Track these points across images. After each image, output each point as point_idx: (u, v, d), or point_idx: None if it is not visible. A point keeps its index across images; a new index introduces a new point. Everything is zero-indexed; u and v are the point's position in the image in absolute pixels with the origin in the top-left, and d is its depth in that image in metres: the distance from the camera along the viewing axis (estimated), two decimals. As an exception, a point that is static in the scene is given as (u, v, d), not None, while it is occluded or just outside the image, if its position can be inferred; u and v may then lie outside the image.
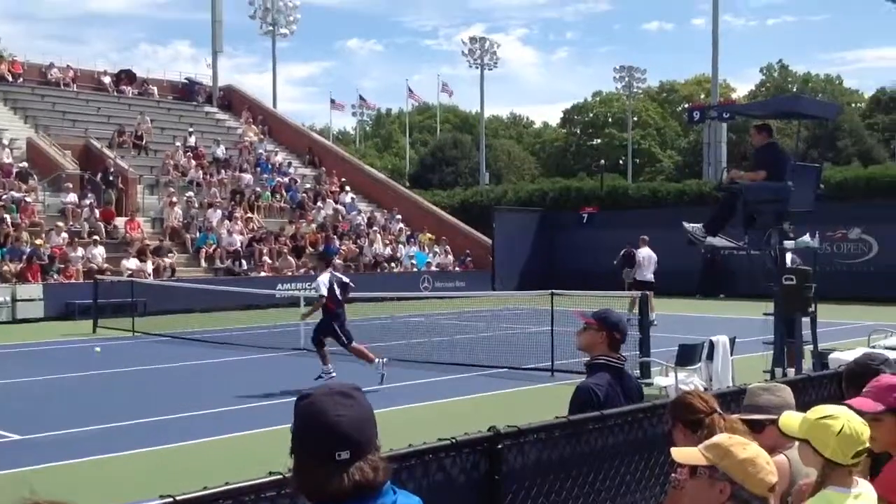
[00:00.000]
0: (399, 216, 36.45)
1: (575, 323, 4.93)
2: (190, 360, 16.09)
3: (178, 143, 35.71)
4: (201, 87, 43.55)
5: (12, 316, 22.82)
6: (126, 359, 16.23)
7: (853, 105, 76.48)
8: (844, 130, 59.82)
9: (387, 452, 2.10)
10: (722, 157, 43.43)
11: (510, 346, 16.37)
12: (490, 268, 33.92)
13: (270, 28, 56.86)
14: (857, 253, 29.24)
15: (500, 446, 3.48)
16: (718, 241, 11.81)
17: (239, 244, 29.59)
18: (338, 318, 13.07)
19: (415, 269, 32.72)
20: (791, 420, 2.97)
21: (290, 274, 28.69)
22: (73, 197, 28.77)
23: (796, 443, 2.98)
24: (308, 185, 37.03)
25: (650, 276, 21.21)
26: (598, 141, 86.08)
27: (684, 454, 2.56)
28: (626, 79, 74.56)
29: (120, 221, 28.88)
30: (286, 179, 36.27)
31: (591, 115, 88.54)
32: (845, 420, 2.79)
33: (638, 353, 12.48)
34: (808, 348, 11.47)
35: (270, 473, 2.69)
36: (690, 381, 10.67)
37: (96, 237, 26.94)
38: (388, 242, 33.96)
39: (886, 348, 10.66)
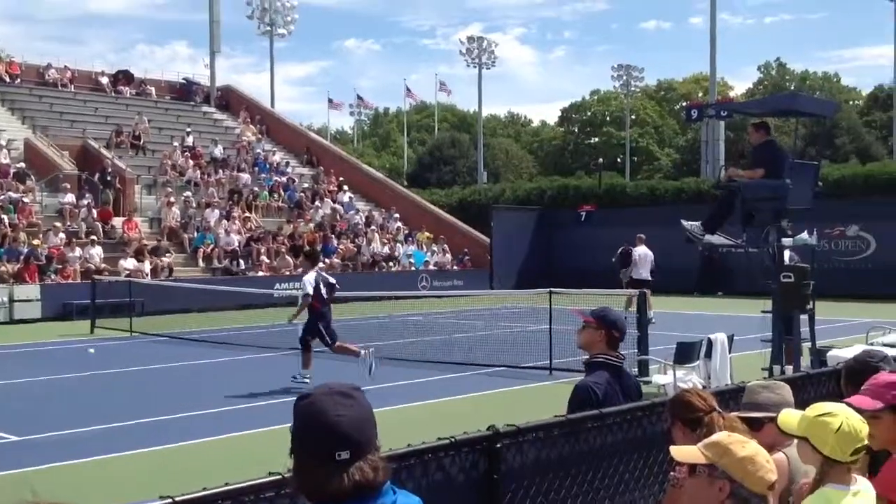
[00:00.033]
0: (397, 215, 36.45)
1: (573, 321, 4.93)
2: (188, 361, 16.08)
3: (175, 143, 35.70)
4: (199, 87, 43.53)
5: (10, 316, 22.80)
6: (124, 359, 16.22)
7: (851, 103, 76.60)
8: (842, 128, 59.86)
9: (386, 452, 2.10)
10: (720, 155, 43.45)
11: (508, 345, 16.37)
12: (488, 266, 33.91)
13: (268, 28, 56.85)
14: (855, 250, 29.26)
15: (498, 445, 3.48)
16: (717, 239, 11.81)
17: (237, 244, 29.58)
18: (323, 318, 13.04)
19: (413, 268, 32.71)
20: (790, 418, 2.97)
21: (287, 273, 28.66)
22: (70, 197, 28.75)
23: (795, 440, 2.98)
24: (306, 185, 37.01)
25: (646, 275, 21.21)
26: (596, 139, 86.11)
27: (683, 452, 2.56)
28: (624, 77, 74.61)
29: (117, 221, 28.86)
30: (284, 179, 36.26)
31: (588, 113, 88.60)
32: (844, 417, 2.79)
33: (636, 351, 12.48)
34: (806, 346, 11.48)
35: (270, 473, 2.69)
36: (689, 379, 10.67)
37: (94, 237, 26.93)
38: (385, 241, 33.95)
39: (885, 345, 10.67)
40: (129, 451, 9.08)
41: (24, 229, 26.15)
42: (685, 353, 11.17)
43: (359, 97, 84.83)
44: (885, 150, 58.57)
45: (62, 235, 26.40)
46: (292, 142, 41.44)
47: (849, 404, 3.03)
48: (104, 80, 40.46)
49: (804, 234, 11.77)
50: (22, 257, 24.39)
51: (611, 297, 15.87)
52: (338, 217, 34.69)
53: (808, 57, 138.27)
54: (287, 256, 29.60)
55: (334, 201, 35.88)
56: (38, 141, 32.18)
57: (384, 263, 32.44)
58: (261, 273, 28.70)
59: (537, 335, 15.32)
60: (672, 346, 11.46)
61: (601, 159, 52.22)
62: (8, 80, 37.11)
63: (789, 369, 10.45)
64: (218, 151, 36.42)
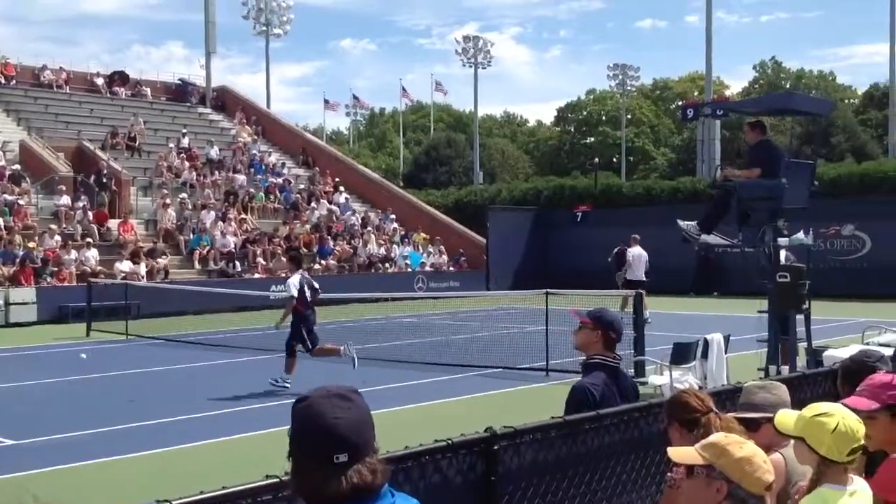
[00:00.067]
0: (393, 216, 36.44)
1: (570, 322, 4.93)
2: (184, 363, 16.06)
3: (171, 145, 35.66)
4: (194, 88, 43.49)
5: (5, 320, 22.74)
6: (120, 362, 16.20)
7: (846, 101, 76.73)
8: (838, 127, 59.98)
9: (383, 455, 2.09)
10: (716, 155, 43.51)
11: (505, 346, 16.37)
12: (484, 267, 33.92)
13: (264, 28, 56.84)
14: (851, 249, 29.30)
15: (496, 447, 3.49)
16: (713, 239, 11.82)
17: (233, 245, 29.56)
18: (307, 322, 13.03)
19: (409, 270, 32.70)
20: (787, 418, 2.97)
21: (284, 275, 28.53)
22: (66, 199, 28.71)
23: (792, 441, 2.98)
24: (302, 186, 36.99)
25: (641, 275, 21.21)
26: (592, 139, 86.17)
27: (681, 453, 2.57)
28: (620, 77, 74.70)
29: (113, 223, 28.81)
30: (280, 180, 36.24)
31: (584, 113, 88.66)
32: (840, 417, 2.80)
33: (632, 351, 12.49)
34: (802, 346, 11.50)
35: (267, 476, 2.69)
36: (685, 379, 10.68)
37: (89, 239, 26.88)
38: (382, 243, 33.94)
39: (881, 345, 10.69)
40: (126, 455, 9.07)
41: (19, 232, 26.10)
42: (681, 354, 11.18)
43: (355, 97, 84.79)
44: (880, 148, 58.64)
45: (58, 238, 26.36)
46: (288, 143, 41.42)
47: (845, 405, 3.04)
48: (99, 82, 40.41)
49: (800, 234, 11.80)
50: (17, 260, 24.34)
51: (607, 298, 15.89)
52: (334, 218, 34.67)
53: (804, 55, 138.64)
54: (283, 258, 29.55)
55: (330, 202, 35.87)
56: (33, 143, 32.14)
57: (380, 265, 32.43)
58: (257, 275, 28.67)
59: (534, 336, 15.32)
60: (668, 346, 11.46)
61: (597, 159, 52.16)
62: (3, 81, 37.06)
63: (785, 369, 10.47)
64: (214, 153, 36.38)
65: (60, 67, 39.96)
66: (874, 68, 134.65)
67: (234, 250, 29.35)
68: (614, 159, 77.14)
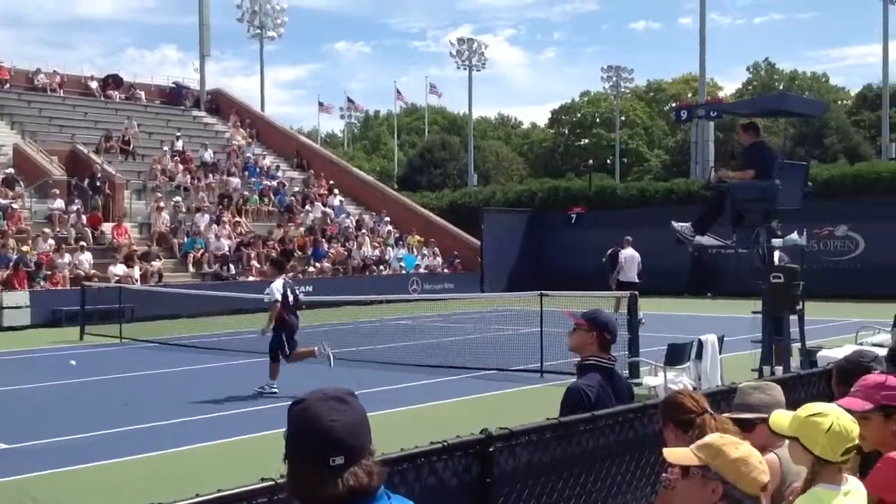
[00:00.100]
0: (388, 218, 36.43)
1: (565, 324, 4.94)
2: (179, 367, 16.04)
3: (165, 148, 35.63)
4: (189, 91, 43.46)
5: (-1, 323, 22.70)
6: (114, 366, 16.15)
7: (839, 102, 76.90)
8: (831, 128, 60.08)
9: (378, 457, 2.10)
10: (709, 156, 43.58)
11: (499, 348, 16.38)
12: (479, 269, 33.92)
13: (258, 31, 56.83)
14: (844, 250, 29.38)
15: (491, 449, 3.49)
16: (707, 240, 11.84)
17: (227, 248, 29.52)
18: (289, 328, 13.06)
19: (403, 272, 32.69)
20: (781, 418, 2.98)
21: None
22: (59, 203, 28.66)
23: (787, 441, 2.99)
24: (296, 189, 36.97)
25: (633, 277, 21.23)
26: (586, 141, 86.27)
27: (676, 454, 2.57)
28: (614, 78, 74.77)
29: (107, 227, 28.76)
30: (274, 183, 36.21)
31: (578, 115, 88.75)
32: (834, 417, 2.80)
33: (627, 353, 12.50)
34: (795, 346, 11.52)
35: (262, 479, 2.69)
36: (679, 380, 10.70)
37: (83, 243, 26.83)
38: (376, 245, 33.94)
39: (874, 345, 10.71)
40: (121, 458, 9.05)
41: (13, 235, 26.03)
42: (676, 355, 11.20)
43: (349, 100, 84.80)
44: (873, 149, 58.78)
45: (51, 241, 26.31)
46: (282, 145, 41.40)
47: (839, 405, 3.05)
48: (94, 85, 40.36)
49: (794, 235, 11.81)
50: (11, 264, 24.26)
51: (602, 300, 15.91)
52: (328, 221, 34.66)
53: (797, 57, 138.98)
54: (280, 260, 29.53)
55: (325, 205, 35.85)
56: (27, 146, 32.07)
57: (375, 267, 32.42)
58: (251, 278, 28.61)
59: (528, 338, 15.33)
60: (662, 347, 11.48)
61: (591, 161, 52.27)
62: (-4, 85, 37.00)
63: (779, 370, 10.48)
64: (208, 156, 36.35)
65: (54, 71, 39.92)
66: (867, 69, 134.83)
67: (228, 253, 29.31)
68: (608, 161, 77.19)
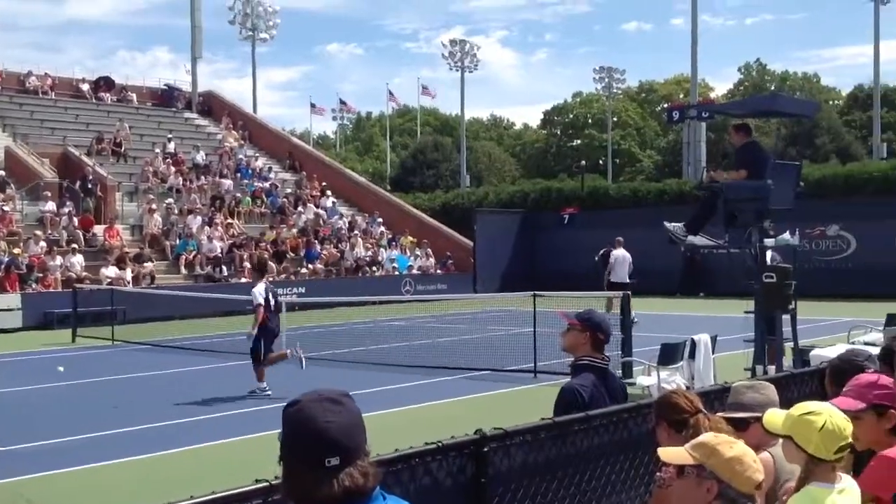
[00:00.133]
0: (380, 220, 36.42)
1: (558, 324, 4.94)
2: (171, 368, 16.01)
3: (157, 150, 35.56)
4: (180, 93, 43.38)
5: (-9, 326, 22.63)
6: (107, 368, 16.11)
7: (831, 102, 77.07)
8: (822, 128, 60.22)
9: (373, 457, 2.09)
10: (701, 156, 43.67)
11: (493, 349, 16.38)
12: (472, 270, 33.94)
13: (250, 33, 56.68)
14: (836, 250, 29.47)
15: (486, 449, 3.49)
16: (699, 240, 11.87)
17: (219, 250, 29.47)
18: (269, 333, 13.17)
19: (396, 273, 32.68)
20: (775, 417, 2.99)
21: (271, 280, 28.55)
22: (51, 205, 28.57)
23: (780, 440, 3.00)
24: (289, 190, 36.93)
25: (624, 277, 21.25)
26: (579, 142, 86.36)
27: (671, 453, 2.57)
28: (606, 79, 74.79)
29: (99, 229, 28.69)
30: (266, 184, 36.17)
31: (570, 116, 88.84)
32: (828, 416, 2.81)
33: (620, 352, 12.52)
34: (788, 345, 11.55)
35: (257, 481, 2.68)
36: (673, 379, 10.72)
37: (75, 245, 26.76)
38: (369, 246, 33.91)
39: (866, 344, 10.76)
40: (115, 460, 9.03)
41: (4, 238, 25.95)
42: (669, 355, 11.22)
43: (341, 101, 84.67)
44: (864, 149, 58.94)
45: (43, 244, 26.23)
46: (275, 147, 41.35)
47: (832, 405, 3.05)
48: (85, 87, 40.26)
49: (786, 235, 11.85)
50: (2, 266, 24.19)
51: (595, 300, 15.92)
52: (321, 222, 34.63)
53: (788, 57, 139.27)
54: (270, 262, 29.50)
55: (317, 206, 35.82)
56: (18, 149, 31.97)
57: (368, 268, 32.40)
58: (244, 279, 28.53)
59: (521, 338, 15.34)
60: (656, 347, 11.50)
61: (583, 162, 52.37)
62: (-13, 87, 36.89)
63: (772, 369, 10.50)
64: (200, 157, 36.29)
65: (46, 73, 39.82)
66: (858, 70, 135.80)
67: (220, 255, 29.27)
68: (600, 162, 77.29)
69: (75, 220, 28.41)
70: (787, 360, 11.22)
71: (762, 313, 11.24)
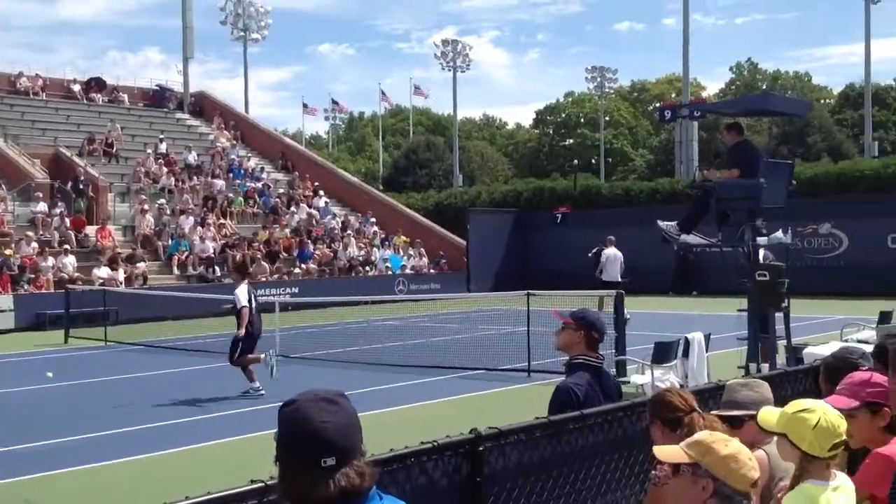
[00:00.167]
0: (373, 219, 36.40)
1: (552, 323, 4.95)
2: (165, 369, 15.98)
3: (149, 150, 35.48)
4: (172, 93, 43.28)
5: (-18, 327, 22.54)
6: (100, 369, 16.08)
7: (822, 101, 77.31)
8: (814, 127, 60.37)
9: (369, 457, 2.09)
10: (693, 155, 43.74)
11: (486, 348, 16.38)
12: (465, 269, 33.94)
13: (241, 34, 56.61)
14: (828, 248, 29.55)
15: (481, 448, 3.49)
16: (692, 239, 11.88)
17: (212, 251, 29.42)
18: (251, 335, 13.18)
19: (389, 273, 32.67)
20: (769, 415, 2.99)
21: (264, 280, 28.54)
22: (42, 206, 28.48)
23: (775, 438, 3.00)
24: (281, 190, 36.90)
25: (616, 276, 21.26)
26: (571, 141, 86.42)
27: (666, 452, 2.57)
28: (598, 79, 74.92)
29: (91, 230, 28.62)
30: (259, 185, 36.12)
31: (563, 115, 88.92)
32: (822, 413, 2.81)
33: (613, 351, 12.53)
34: (781, 343, 11.57)
35: (252, 481, 2.68)
36: (666, 378, 10.73)
37: (67, 246, 26.69)
38: (362, 246, 33.89)
39: (859, 341, 10.78)
40: (110, 461, 9.02)
41: (-5, 239, 25.88)
42: (663, 353, 11.23)
43: (333, 102, 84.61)
44: (856, 148, 59.12)
45: (35, 245, 26.15)
46: (267, 147, 41.29)
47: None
48: (76, 88, 40.13)
49: (779, 233, 11.87)
50: (-6, 267, 24.13)
51: (588, 298, 15.92)
52: (314, 222, 34.60)
53: (780, 56, 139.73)
54: (263, 263, 29.48)
55: (310, 206, 35.78)
56: (9, 149, 31.84)
57: (361, 268, 32.38)
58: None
59: (515, 337, 15.34)
60: (649, 346, 11.52)
61: (576, 161, 52.31)
62: (-22, 88, 36.76)
63: (765, 367, 10.53)
64: (192, 158, 36.22)
65: (37, 74, 39.68)
66: (849, 69, 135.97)
67: (213, 255, 29.21)
68: (593, 161, 77.38)
69: (67, 220, 28.33)
70: (781, 358, 11.25)
71: (755, 311, 11.26)
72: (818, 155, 54.52)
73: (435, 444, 3.32)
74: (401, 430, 9.07)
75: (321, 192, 37.20)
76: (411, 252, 34.80)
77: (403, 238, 35.56)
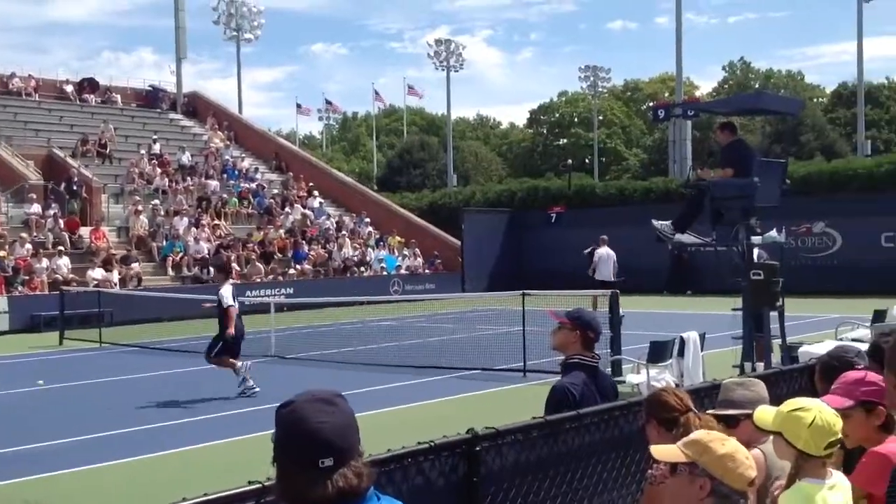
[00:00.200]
0: (368, 220, 36.39)
1: (547, 323, 4.95)
2: (160, 370, 15.95)
3: (142, 151, 35.41)
4: (165, 93, 43.22)
5: (-23, 329, 22.48)
6: (95, 370, 16.05)
7: (815, 100, 77.42)
8: (807, 125, 60.47)
9: (366, 458, 2.09)
10: (687, 154, 43.80)
11: (482, 348, 16.39)
12: (460, 269, 33.96)
13: (234, 34, 56.52)
14: (822, 247, 29.62)
15: (478, 448, 3.49)
16: (687, 238, 11.90)
17: (206, 251, 29.37)
18: (235, 335, 13.17)
19: (384, 273, 32.66)
20: (765, 414, 2.99)
21: (258, 280, 28.53)
22: (36, 207, 28.42)
23: (771, 436, 3.00)
24: (275, 191, 36.86)
25: (609, 276, 21.27)
26: (565, 140, 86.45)
27: (664, 451, 2.58)
28: (591, 78, 74.93)
29: (85, 231, 28.56)
30: (253, 185, 36.08)
31: (557, 115, 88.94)
32: (817, 412, 2.82)
33: (609, 351, 12.55)
34: (776, 342, 11.59)
35: (249, 482, 2.68)
36: (662, 377, 10.75)
37: (61, 247, 26.63)
38: (357, 246, 33.88)
39: (853, 340, 10.81)
40: (106, 463, 9.01)
41: (-11, 241, 25.82)
42: (658, 353, 11.25)
43: (327, 102, 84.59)
44: (849, 146, 59.21)
45: (29, 246, 26.09)
46: (261, 148, 41.25)
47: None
48: (69, 89, 40.06)
49: (773, 232, 11.90)
50: (-12, 269, 24.08)
51: (583, 298, 15.95)
52: (308, 223, 34.57)
53: (772, 55, 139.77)
54: (258, 263, 29.46)
55: (304, 207, 35.75)
56: (2, 151, 31.73)
57: (356, 268, 32.37)
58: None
59: (510, 337, 15.35)
60: (644, 345, 11.53)
61: (570, 160, 52.37)
62: (-30, 89, 36.66)
63: (760, 366, 10.54)
64: (186, 158, 36.16)
65: (29, 75, 39.60)
66: (842, 67, 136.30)
67: (207, 256, 29.16)
68: (587, 160, 77.38)
69: (61, 222, 28.28)
70: (776, 357, 11.27)
71: (750, 310, 11.27)
72: (811, 154, 54.62)
73: (432, 444, 3.32)
74: (397, 430, 9.07)
75: (315, 193, 37.17)
76: (406, 252, 34.80)
77: (398, 238, 35.56)
